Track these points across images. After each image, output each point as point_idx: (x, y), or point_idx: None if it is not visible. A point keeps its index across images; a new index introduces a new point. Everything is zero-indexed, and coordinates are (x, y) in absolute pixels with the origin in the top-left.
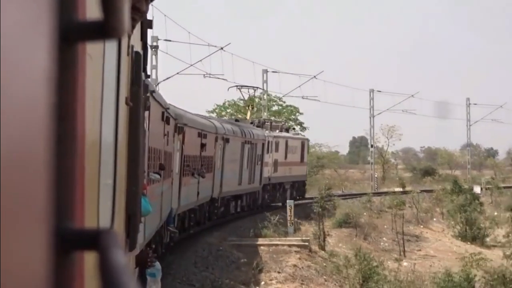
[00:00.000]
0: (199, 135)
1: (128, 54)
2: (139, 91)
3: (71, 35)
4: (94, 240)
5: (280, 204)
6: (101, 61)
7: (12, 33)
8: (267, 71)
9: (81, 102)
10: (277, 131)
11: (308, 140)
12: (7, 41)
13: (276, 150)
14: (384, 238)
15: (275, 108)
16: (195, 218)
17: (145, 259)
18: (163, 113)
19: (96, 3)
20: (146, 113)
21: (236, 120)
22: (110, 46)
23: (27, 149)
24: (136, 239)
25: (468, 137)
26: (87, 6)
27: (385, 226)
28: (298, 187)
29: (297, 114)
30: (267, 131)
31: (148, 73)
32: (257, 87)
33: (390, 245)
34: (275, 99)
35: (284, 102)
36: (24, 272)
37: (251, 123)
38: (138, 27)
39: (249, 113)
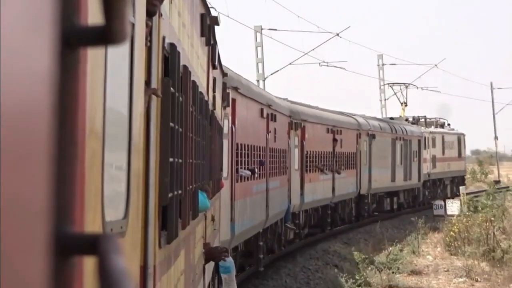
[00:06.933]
0: (329, 131)
1: (146, 45)
2: (170, 83)
3: (73, 40)
4: (93, 244)
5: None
6: (102, 53)
7: (13, 37)
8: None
9: (82, 106)
10: (432, 127)
11: (464, 135)
12: (8, 45)
13: (433, 146)
14: None
15: None
16: (337, 215)
17: (216, 254)
18: (262, 109)
19: (98, 8)
20: (228, 109)
21: (391, 118)
22: None
23: (26, 153)
24: (175, 231)
25: None
26: (89, 11)
27: None
28: (458, 183)
29: None
30: (422, 127)
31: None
32: (408, 84)
33: None
34: None
35: None
36: (21, 278)
37: (406, 120)
38: (197, 23)
39: (402, 110)
